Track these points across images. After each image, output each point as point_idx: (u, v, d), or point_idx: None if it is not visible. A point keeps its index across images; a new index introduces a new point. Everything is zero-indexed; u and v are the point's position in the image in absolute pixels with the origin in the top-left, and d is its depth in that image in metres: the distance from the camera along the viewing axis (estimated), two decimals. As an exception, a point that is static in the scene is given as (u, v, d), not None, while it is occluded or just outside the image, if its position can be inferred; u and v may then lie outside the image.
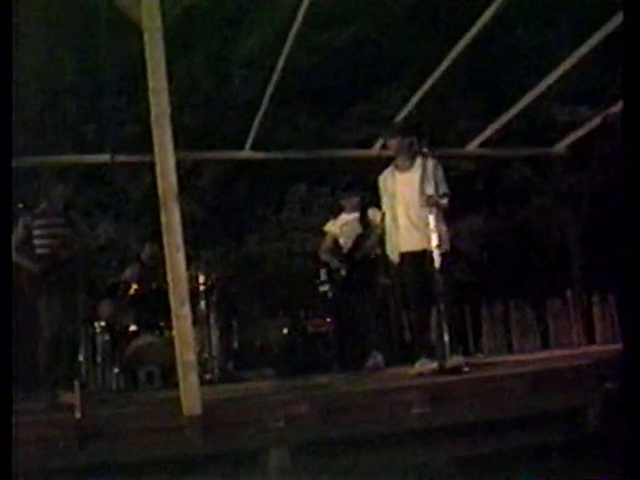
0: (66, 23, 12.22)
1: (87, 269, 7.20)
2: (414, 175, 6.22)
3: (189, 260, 4.79)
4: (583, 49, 7.80)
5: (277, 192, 15.20)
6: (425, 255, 5.91)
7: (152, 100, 4.45)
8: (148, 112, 4.49)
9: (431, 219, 5.91)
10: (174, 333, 4.33)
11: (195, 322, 7.57)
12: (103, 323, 8.03)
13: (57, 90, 13.73)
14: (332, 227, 8.44)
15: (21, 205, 6.63)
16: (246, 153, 9.34)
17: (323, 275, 8.53)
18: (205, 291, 8.06)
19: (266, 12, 14.02)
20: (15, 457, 3.33)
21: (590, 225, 14.25)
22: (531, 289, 14.18)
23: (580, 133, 10.12)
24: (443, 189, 6.13)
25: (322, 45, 13.83)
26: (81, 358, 7.23)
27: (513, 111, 9.20)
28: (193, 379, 4.18)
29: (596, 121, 9.71)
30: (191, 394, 4.14)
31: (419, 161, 6.23)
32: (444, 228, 6.11)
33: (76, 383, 4.47)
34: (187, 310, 4.27)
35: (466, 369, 5.65)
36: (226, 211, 14.83)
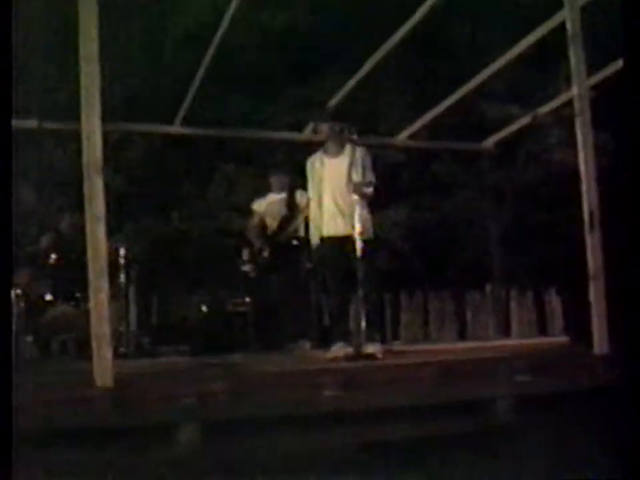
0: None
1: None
2: (342, 161, 6.25)
3: (111, 232, 4.75)
4: (517, 49, 7.94)
5: (204, 169, 15.11)
6: (348, 240, 5.96)
7: (82, 68, 4.37)
8: (79, 80, 4.42)
9: (356, 206, 5.97)
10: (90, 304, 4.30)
11: (113, 295, 7.55)
12: (18, 291, 7.90)
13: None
14: (258, 206, 8.44)
15: None
16: (176, 128, 9.25)
17: (245, 255, 8.54)
18: (126, 265, 7.98)
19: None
20: None
21: (512, 221, 14.59)
22: (451, 281, 14.42)
23: (509, 130, 10.29)
24: (370, 177, 6.19)
25: (259, 25, 13.78)
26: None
27: (444, 104, 9.31)
28: (107, 351, 4.14)
29: (525, 120, 9.91)
30: (103, 366, 4.11)
31: (348, 147, 6.27)
32: (368, 216, 6.17)
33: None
34: (104, 282, 4.23)
35: (379, 356, 5.74)
36: (152, 186, 14.68)
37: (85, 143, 4.32)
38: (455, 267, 15.30)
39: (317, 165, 6.41)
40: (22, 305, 7.88)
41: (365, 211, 6.11)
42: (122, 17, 13.22)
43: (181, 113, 8.96)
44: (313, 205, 6.45)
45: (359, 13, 13.71)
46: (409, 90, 14.18)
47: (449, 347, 8.29)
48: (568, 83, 6.30)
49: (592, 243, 5.21)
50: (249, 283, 8.64)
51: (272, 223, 8.20)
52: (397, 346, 9.32)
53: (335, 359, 5.84)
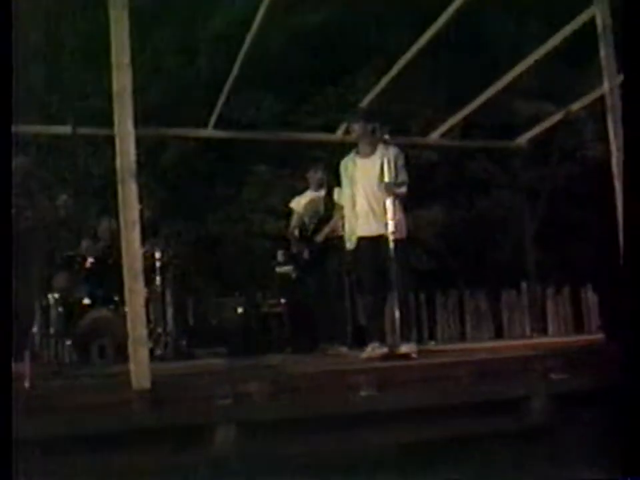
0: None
1: (44, 241, 7.15)
2: (375, 161, 6.24)
3: (146, 236, 4.80)
4: (549, 45, 7.89)
5: (238, 172, 15.17)
6: (382, 241, 5.97)
7: (114, 75, 4.43)
8: (112, 86, 4.48)
9: (389, 206, 5.97)
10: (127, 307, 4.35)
11: (149, 298, 7.61)
12: (56, 295, 7.98)
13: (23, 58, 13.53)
14: (297, 204, 8.43)
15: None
16: (209, 132, 9.31)
17: (280, 257, 8.57)
18: (161, 268, 8.05)
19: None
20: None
21: (547, 218, 14.48)
22: (487, 279, 14.33)
23: (542, 127, 10.23)
24: (402, 177, 6.17)
25: (291, 27, 13.81)
26: (34, 329, 7.20)
27: (477, 102, 9.27)
28: (144, 353, 4.20)
29: (558, 117, 9.85)
30: (140, 368, 4.15)
31: (381, 147, 6.26)
32: (402, 215, 6.17)
33: (27, 354, 4.47)
34: (140, 285, 4.28)
35: (414, 355, 5.74)
36: (187, 189, 14.77)
37: (118, 149, 4.37)
38: (491, 265, 15.21)
39: (350, 165, 6.41)
40: (60, 309, 7.96)
41: (399, 211, 6.10)
42: (153, 21, 13.37)
43: (214, 116, 9.02)
44: (347, 205, 6.45)
45: (390, 12, 13.71)
46: (441, 88, 14.12)
47: (484, 346, 8.24)
48: (600, 78, 6.25)
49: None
50: (284, 284, 8.67)
51: (310, 222, 8.18)
52: (433, 345, 9.31)
53: (370, 359, 5.85)
